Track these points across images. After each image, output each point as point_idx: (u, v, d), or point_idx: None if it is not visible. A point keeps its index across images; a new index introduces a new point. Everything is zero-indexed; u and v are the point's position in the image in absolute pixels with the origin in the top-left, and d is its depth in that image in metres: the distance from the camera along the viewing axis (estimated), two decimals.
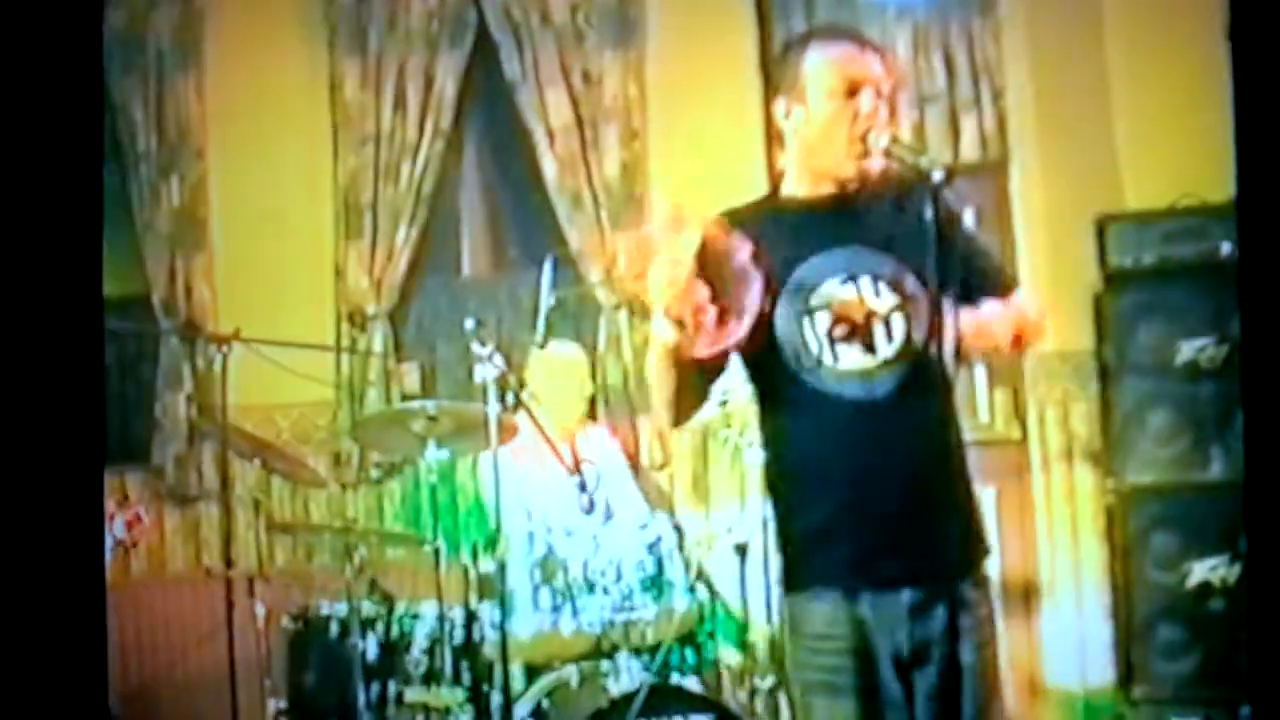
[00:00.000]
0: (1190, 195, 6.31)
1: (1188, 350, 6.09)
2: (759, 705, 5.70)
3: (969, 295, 3.40)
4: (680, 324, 3.35)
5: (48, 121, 2.85)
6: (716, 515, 6.63)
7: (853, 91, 3.52)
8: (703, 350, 3.39)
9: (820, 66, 3.57)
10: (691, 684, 5.42)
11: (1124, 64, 6.99)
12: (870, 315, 3.50)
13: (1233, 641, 5.90)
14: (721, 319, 3.36)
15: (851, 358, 3.50)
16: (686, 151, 7.34)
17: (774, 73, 3.75)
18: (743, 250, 3.41)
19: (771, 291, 3.45)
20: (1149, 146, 6.86)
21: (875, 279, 3.52)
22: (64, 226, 2.86)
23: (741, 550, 5.80)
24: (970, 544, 3.60)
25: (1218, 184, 6.45)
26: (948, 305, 3.27)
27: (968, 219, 6.72)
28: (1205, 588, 5.97)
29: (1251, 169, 3.04)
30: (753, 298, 3.39)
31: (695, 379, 3.54)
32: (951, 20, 7.31)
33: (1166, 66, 6.87)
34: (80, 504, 2.84)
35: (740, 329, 3.39)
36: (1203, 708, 5.94)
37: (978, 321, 3.43)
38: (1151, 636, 6.11)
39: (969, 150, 7.26)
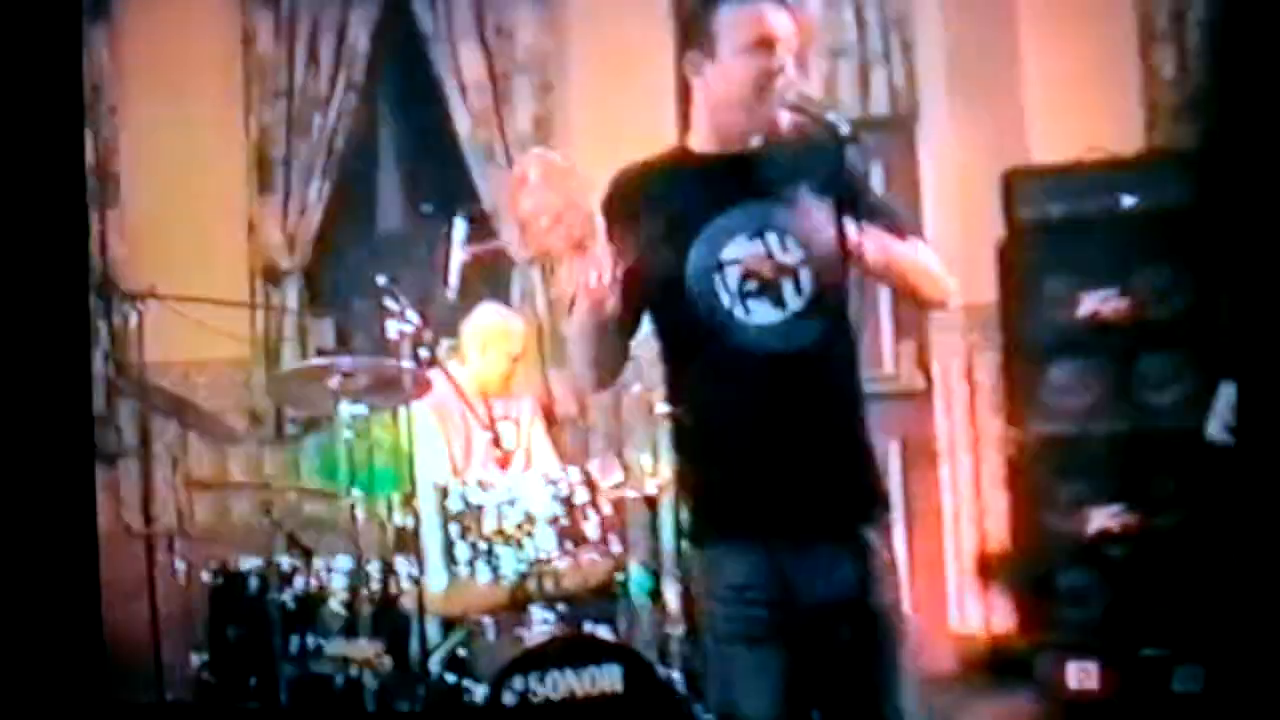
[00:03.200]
0: (1095, 149, 6.39)
1: (1089, 302, 6.17)
2: (671, 653, 5.74)
3: None
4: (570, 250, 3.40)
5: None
6: (629, 467, 6.70)
7: (762, 47, 3.54)
8: (595, 283, 3.43)
9: (730, 21, 3.57)
10: (604, 633, 5.48)
11: (1033, 18, 7.05)
12: (779, 269, 3.54)
13: (1132, 587, 6.05)
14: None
15: (761, 312, 3.54)
16: (600, 105, 7.37)
17: (685, 27, 3.73)
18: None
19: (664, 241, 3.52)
20: (1056, 101, 6.93)
21: (784, 234, 3.56)
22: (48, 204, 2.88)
23: (652, 502, 5.86)
24: (874, 492, 3.68)
25: (1123, 138, 6.61)
26: (854, 248, 3.35)
27: (875, 173, 6.88)
28: (1105, 535, 6.08)
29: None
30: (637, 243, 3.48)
31: (615, 338, 3.58)
32: None
33: (1075, 21, 6.93)
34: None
35: (625, 260, 3.46)
36: (1103, 652, 6.06)
37: (890, 244, 3.54)
38: (1054, 583, 6.22)
39: (879, 104, 7.27)
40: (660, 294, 3.59)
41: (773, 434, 3.55)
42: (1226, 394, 4.95)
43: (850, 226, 3.39)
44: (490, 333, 6.43)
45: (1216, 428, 5.01)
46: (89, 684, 3.02)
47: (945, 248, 6.68)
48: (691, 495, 3.78)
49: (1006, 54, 7.02)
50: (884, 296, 6.58)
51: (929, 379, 7.30)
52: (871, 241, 3.45)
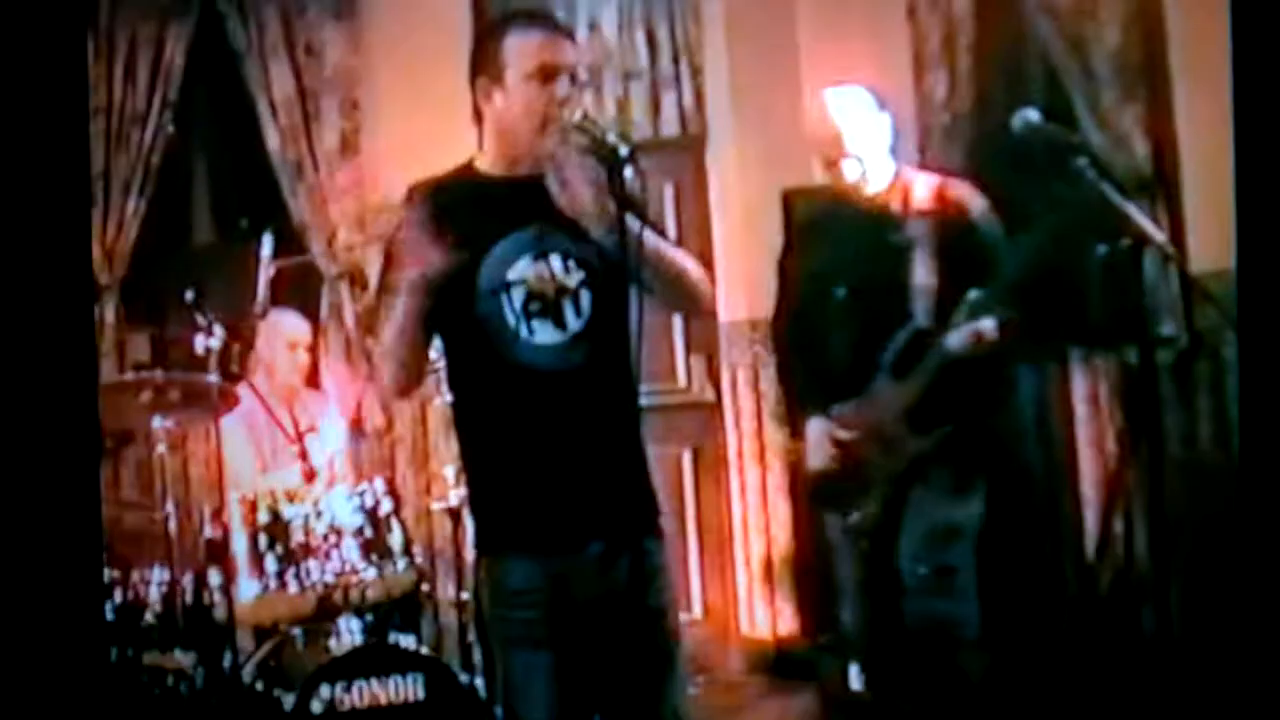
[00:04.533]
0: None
1: None
2: (474, 660, 5.89)
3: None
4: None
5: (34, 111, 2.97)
6: (434, 479, 6.84)
7: (548, 76, 3.65)
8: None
9: (516, 50, 3.68)
10: (408, 642, 5.66)
11: (812, 44, 7.21)
12: (561, 290, 3.69)
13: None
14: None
15: (544, 332, 3.68)
16: (405, 123, 7.47)
17: (473, 55, 3.80)
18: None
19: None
20: None
21: (566, 255, 3.70)
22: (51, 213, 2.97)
23: (455, 514, 6.01)
24: (648, 501, 3.84)
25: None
26: (632, 265, 3.53)
27: (667, 191, 7.10)
28: None
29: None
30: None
31: (423, 341, 3.73)
32: (655, 0, 7.48)
33: (852, 47, 6.99)
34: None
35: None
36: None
37: (663, 259, 3.72)
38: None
39: (669, 126, 7.45)
40: (449, 312, 3.70)
41: (550, 447, 3.71)
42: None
43: (628, 245, 3.53)
44: (278, 334, 6.58)
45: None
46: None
47: (732, 263, 7.09)
48: (477, 505, 3.92)
49: (788, 78, 7.14)
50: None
51: (719, 391, 7.44)
52: (647, 258, 3.59)
